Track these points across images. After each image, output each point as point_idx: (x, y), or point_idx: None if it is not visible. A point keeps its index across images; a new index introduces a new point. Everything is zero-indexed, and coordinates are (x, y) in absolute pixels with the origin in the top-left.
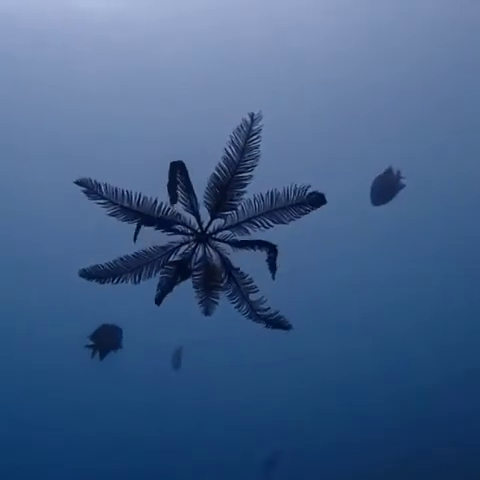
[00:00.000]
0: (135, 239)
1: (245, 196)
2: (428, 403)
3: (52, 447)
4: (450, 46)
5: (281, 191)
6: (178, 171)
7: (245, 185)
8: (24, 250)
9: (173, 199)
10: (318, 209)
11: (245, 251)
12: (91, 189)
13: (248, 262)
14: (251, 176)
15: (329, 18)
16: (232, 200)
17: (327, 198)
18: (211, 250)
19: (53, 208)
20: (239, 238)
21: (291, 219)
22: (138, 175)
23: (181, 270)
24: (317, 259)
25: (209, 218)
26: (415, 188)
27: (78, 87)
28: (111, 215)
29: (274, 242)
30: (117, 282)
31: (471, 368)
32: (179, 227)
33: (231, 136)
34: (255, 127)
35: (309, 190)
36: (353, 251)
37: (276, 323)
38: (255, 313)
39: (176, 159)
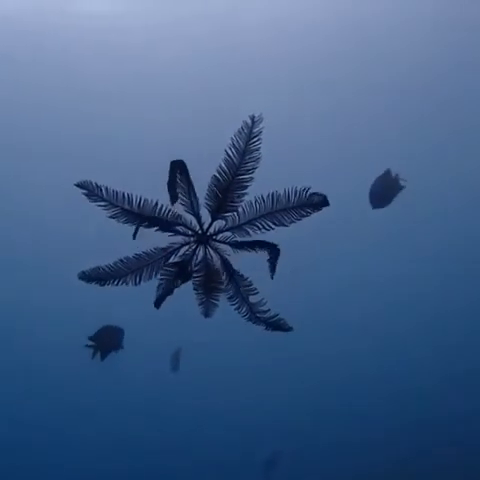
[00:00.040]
0: (135, 237)
1: (246, 198)
2: (428, 403)
3: (52, 447)
4: (450, 46)
5: (282, 193)
6: (178, 170)
7: (246, 187)
8: (25, 251)
9: (173, 198)
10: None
11: (245, 253)
12: (92, 192)
13: (248, 264)
14: (252, 178)
15: (329, 18)
16: (233, 202)
17: (328, 198)
18: (212, 251)
19: (54, 209)
20: (240, 240)
21: (292, 221)
22: (139, 177)
23: (181, 272)
24: (317, 259)
25: (210, 220)
26: (415, 188)
27: (79, 90)
28: (112, 217)
29: (274, 243)
30: (117, 284)
31: (471, 368)
32: (180, 228)
33: (232, 138)
34: (256, 129)
35: (310, 191)
36: (353, 251)
37: (276, 325)
38: (255, 315)
39: None
